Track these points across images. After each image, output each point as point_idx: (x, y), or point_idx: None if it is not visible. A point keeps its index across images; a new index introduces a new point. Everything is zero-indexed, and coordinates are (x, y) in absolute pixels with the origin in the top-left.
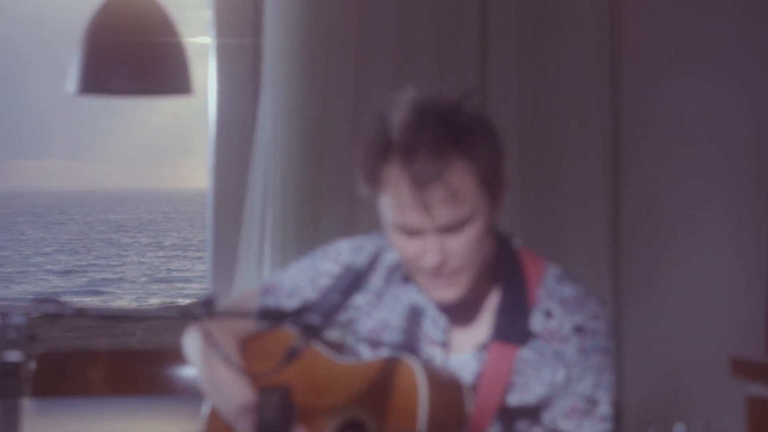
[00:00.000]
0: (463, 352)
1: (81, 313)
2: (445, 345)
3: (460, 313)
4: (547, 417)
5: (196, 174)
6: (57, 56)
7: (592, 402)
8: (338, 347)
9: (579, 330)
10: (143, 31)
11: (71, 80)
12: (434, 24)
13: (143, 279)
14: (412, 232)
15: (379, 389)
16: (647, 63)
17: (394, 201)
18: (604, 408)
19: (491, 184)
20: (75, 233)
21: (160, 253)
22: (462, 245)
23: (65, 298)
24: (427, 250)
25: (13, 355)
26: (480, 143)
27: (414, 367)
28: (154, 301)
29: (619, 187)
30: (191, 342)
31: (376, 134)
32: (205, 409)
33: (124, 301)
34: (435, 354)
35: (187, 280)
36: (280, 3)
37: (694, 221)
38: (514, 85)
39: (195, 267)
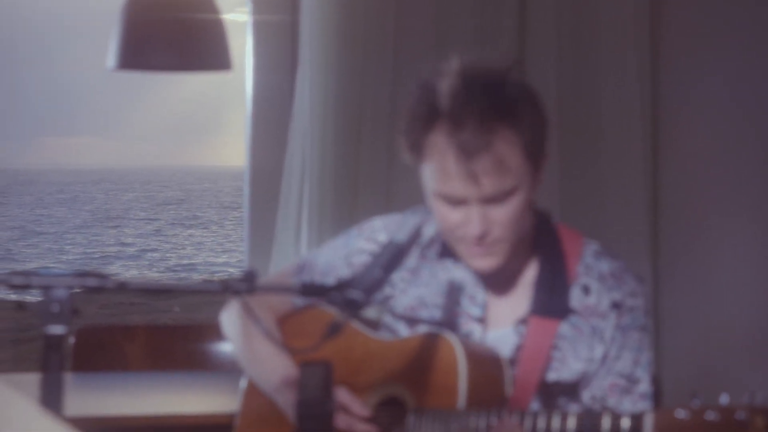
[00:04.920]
0: (502, 326)
1: (123, 287)
2: (482, 321)
3: (499, 284)
4: (586, 395)
5: (232, 152)
6: (88, 31)
7: (632, 380)
8: (375, 325)
9: (616, 306)
10: (182, 6)
11: (111, 55)
12: None
13: (174, 256)
14: (456, 202)
15: (418, 366)
16: (687, 36)
17: (438, 170)
18: (644, 386)
19: (535, 156)
20: (106, 210)
21: (196, 231)
22: (505, 216)
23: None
24: (470, 220)
25: (56, 329)
26: (527, 114)
27: (453, 344)
28: (190, 278)
29: (659, 163)
30: (229, 318)
31: (422, 102)
32: (243, 384)
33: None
34: (473, 330)
35: (222, 257)
36: None
37: (734, 197)
38: (553, 59)
39: (230, 244)
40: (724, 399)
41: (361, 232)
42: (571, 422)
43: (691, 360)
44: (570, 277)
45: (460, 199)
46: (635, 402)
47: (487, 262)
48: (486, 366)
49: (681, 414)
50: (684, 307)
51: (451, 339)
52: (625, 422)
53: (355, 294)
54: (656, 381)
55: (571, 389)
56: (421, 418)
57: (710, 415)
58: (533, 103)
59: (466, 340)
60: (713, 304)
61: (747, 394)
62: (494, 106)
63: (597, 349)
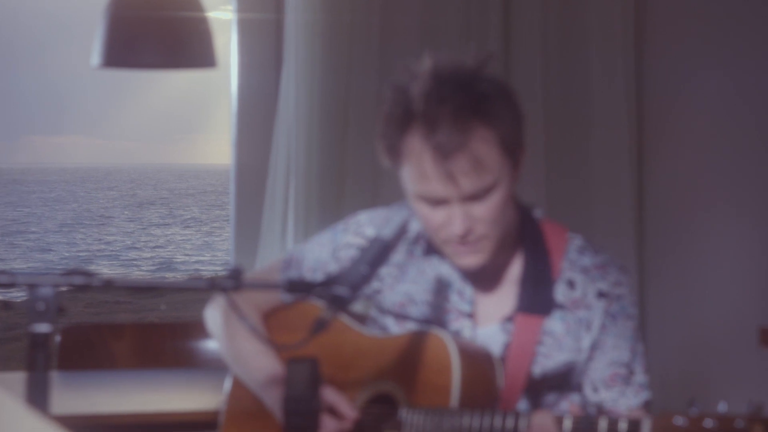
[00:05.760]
0: (490, 324)
1: (109, 284)
2: (472, 316)
3: (484, 281)
4: (588, 388)
5: (217, 149)
6: (75, 29)
7: (631, 370)
8: (362, 319)
9: (603, 295)
10: (167, 3)
11: (95, 54)
12: None
13: (159, 254)
14: (437, 202)
15: (410, 363)
16: (673, 33)
17: (417, 172)
18: (640, 376)
19: (513, 150)
20: (89, 209)
21: (180, 229)
22: (486, 213)
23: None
24: (452, 220)
25: (42, 327)
26: (501, 109)
27: (446, 342)
28: (175, 276)
29: (644, 161)
30: (212, 315)
31: (396, 106)
32: (227, 384)
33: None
34: (463, 326)
35: (207, 255)
36: None
37: (720, 193)
38: (539, 56)
39: (215, 242)
40: (722, 407)
41: (347, 226)
42: (567, 424)
43: (677, 355)
44: (555, 272)
45: (440, 199)
46: (636, 393)
47: (474, 260)
48: (479, 364)
49: (679, 421)
50: (670, 303)
51: (444, 337)
52: (623, 427)
53: (341, 290)
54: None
55: (558, 382)
56: (412, 415)
57: (708, 423)
58: (506, 98)
59: (458, 338)
60: (701, 300)
61: (746, 403)
62: (467, 104)
63: (584, 339)
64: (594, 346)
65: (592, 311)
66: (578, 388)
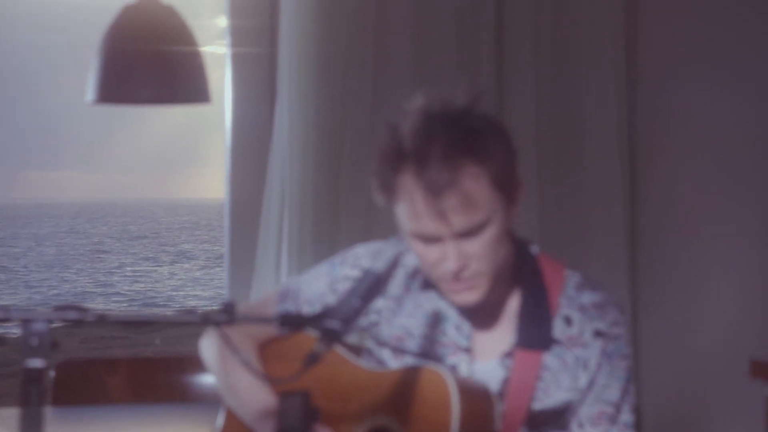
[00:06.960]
0: (488, 359)
1: (103, 319)
2: (469, 351)
3: (482, 317)
4: (574, 424)
5: (212, 183)
6: (71, 65)
7: (619, 409)
8: (357, 351)
9: (600, 335)
10: (161, 39)
11: (90, 89)
12: (451, 28)
13: (153, 290)
14: (430, 239)
15: (408, 398)
16: (664, 63)
17: (409, 210)
18: (626, 415)
19: (506, 186)
20: (83, 245)
21: (175, 264)
22: (480, 249)
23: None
24: (446, 257)
25: (36, 362)
26: (492, 146)
27: (446, 378)
28: (166, 311)
29: (638, 191)
30: (208, 346)
31: (388, 144)
32: (220, 418)
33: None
34: (460, 360)
35: (201, 290)
36: (296, 10)
37: (713, 224)
38: (531, 88)
39: (209, 277)
40: None
41: (344, 259)
42: None
43: (670, 387)
44: (552, 308)
45: (433, 236)
46: (620, 431)
47: (470, 297)
48: (477, 401)
49: None
50: (663, 335)
51: (443, 373)
52: None
53: (333, 324)
54: (636, 410)
55: (555, 417)
56: None
57: None
58: (497, 134)
59: (458, 375)
60: (693, 331)
61: None
62: (457, 141)
63: (582, 379)
64: (588, 385)
65: (589, 350)
66: (566, 425)
